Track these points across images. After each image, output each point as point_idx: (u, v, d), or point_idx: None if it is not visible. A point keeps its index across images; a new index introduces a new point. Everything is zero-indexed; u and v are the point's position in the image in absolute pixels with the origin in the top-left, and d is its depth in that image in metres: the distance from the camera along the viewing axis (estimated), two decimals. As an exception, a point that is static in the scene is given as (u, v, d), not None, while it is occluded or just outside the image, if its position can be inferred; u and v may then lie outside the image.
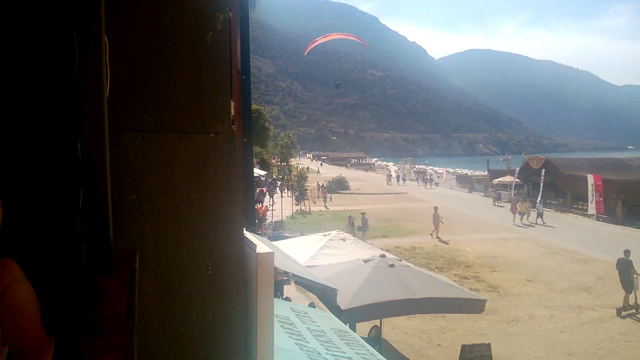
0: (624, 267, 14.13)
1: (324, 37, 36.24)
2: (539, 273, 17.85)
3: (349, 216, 24.56)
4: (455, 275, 17.08)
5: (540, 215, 30.73)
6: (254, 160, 44.65)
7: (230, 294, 1.88)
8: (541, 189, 38.13)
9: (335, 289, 8.04)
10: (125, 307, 0.94)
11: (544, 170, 39.05)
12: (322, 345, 4.39)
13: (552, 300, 14.79)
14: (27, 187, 1.74)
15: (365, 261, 9.52)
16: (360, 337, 5.96)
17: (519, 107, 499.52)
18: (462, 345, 9.16)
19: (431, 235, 24.76)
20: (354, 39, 39.74)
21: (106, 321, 0.86)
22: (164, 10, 1.84)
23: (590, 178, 32.66)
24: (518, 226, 28.99)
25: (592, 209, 31.84)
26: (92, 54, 1.62)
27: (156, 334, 1.79)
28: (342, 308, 7.81)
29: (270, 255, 1.93)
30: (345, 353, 4.43)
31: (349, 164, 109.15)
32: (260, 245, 2.01)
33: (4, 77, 1.73)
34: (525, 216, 30.19)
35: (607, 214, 31.32)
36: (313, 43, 36.51)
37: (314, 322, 5.30)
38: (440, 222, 24.96)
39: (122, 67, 1.77)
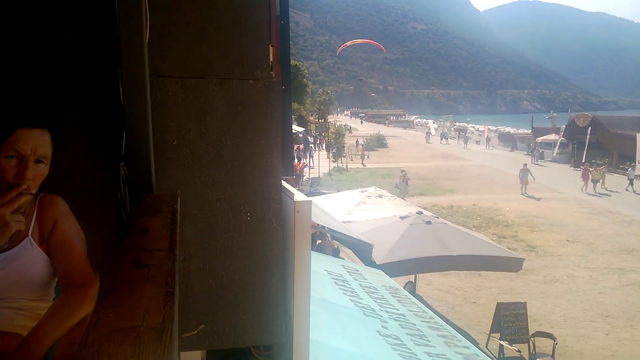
0: None
1: (353, 41, 40.06)
2: (580, 234, 17.48)
3: (402, 171, 24.53)
4: (493, 234, 16.93)
5: (631, 181, 27.44)
6: (293, 116, 44.76)
7: (268, 240, 1.91)
8: (586, 147, 36.84)
9: (371, 244, 8.11)
10: (167, 243, 0.96)
11: (590, 128, 37.62)
12: (375, 302, 4.45)
13: (592, 261, 14.52)
14: (73, 130, 1.78)
15: (402, 218, 9.53)
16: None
17: (567, 63, 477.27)
18: (498, 303, 9.16)
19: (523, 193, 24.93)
20: (376, 45, 42.00)
21: (148, 255, 0.88)
22: (203, -47, 1.80)
23: (639, 137, 31.27)
24: (591, 195, 25.71)
25: (639, 169, 30.56)
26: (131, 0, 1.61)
27: (197, 277, 1.84)
28: (377, 263, 7.89)
29: (308, 204, 1.93)
30: (398, 310, 4.48)
31: (387, 122, 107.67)
32: (298, 194, 2.02)
33: (44, 25, 1.75)
34: (599, 183, 27.00)
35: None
36: (343, 45, 39.34)
37: (365, 279, 5.37)
38: (527, 179, 25.03)
39: (161, 12, 1.76)
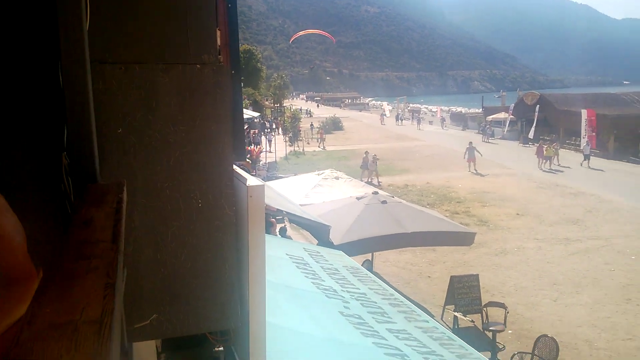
0: None
1: (305, 31, 41.35)
2: (529, 207, 18.21)
3: (366, 152, 24.85)
4: (446, 210, 17.40)
5: (587, 157, 27.95)
6: (247, 101, 44.12)
7: (221, 227, 1.90)
8: (534, 125, 38.16)
9: (329, 226, 8.18)
10: (111, 234, 0.94)
11: (538, 106, 38.90)
12: (337, 283, 4.50)
13: (540, 232, 15.18)
14: (11, 122, 1.71)
15: (358, 198, 9.66)
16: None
17: (516, 43, 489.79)
18: (451, 276, 9.46)
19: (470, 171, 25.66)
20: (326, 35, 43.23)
21: (91, 247, 0.86)
22: None
23: (584, 113, 32.56)
24: (547, 172, 26.22)
25: (584, 143, 31.95)
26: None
27: (148, 266, 1.82)
28: (334, 243, 7.98)
29: (260, 189, 1.93)
30: (359, 289, 4.55)
31: (343, 105, 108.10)
32: (251, 179, 2.01)
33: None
34: (553, 159, 27.53)
35: (600, 148, 31.47)
36: (295, 35, 40.48)
37: (326, 260, 5.41)
38: (474, 156, 25.83)
39: (101, -5, 1.70)
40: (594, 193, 20.31)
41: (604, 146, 31.90)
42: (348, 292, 4.35)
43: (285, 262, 4.74)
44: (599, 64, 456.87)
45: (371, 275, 5.58)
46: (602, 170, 26.44)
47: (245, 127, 32.39)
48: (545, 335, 7.59)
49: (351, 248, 8.13)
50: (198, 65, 1.84)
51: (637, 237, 14.56)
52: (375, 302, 4.31)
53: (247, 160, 18.54)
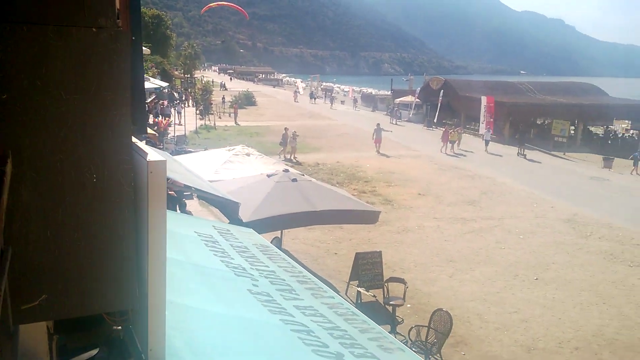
0: None
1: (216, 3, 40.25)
2: (430, 187, 19.20)
3: (286, 128, 24.81)
4: (354, 189, 17.90)
5: (487, 142, 29.58)
6: (155, 70, 42.03)
7: (118, 203, 1.80)
8: (438, 109, 40.07)
9: (238, 203, 8.09)
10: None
11: (442, 91, 40.76)
12: (246, 261, 4.45)
13: (439, 212, 16.09)
14: None
15: (269, 175, 9.63)
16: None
17: (424, 27, 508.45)
18: (356, 253, 9.81)
19: (377, 152, 26.27)
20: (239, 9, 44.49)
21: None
22: None
23: (484, 99, 34.56)
24: (449, 155, 27.23)
25: (483, 129, 34.04)
26: None
27: (38, 245, 1.69)
28: (244, 220, 7.93)
29: (162, 164, 1.85)
30: (268, 267, 4.54)
31: (256, 79, 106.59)
32: (152, 153, 1.92)
33: None
34: (457, 144, 28.69)
35: (496, 134, 33.76)
36: (207, 7, 41.62)
37: (236, 238, 5.34)
38: (381, 137, 26.50)
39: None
40: (490, 176, 21.86)
41: (501, 132, 34.25)
42: (257, 270, 4.36)
43: (193, 240, 4.65)
44: (499, 52, 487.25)
45: (280, 252, 5.62)
46: (500, 155, 28.42)
47: (151, 98, 30.95)
48: (441, 309, 8.09)
49: (261, 225, 8.11)
50: (94, 29, 1.71)
51: (525, 217, 15.91)
52: (284, 280, 4.35)
53: (154, 132, 17.77)
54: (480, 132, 33.62)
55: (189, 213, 10.15)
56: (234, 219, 8.19)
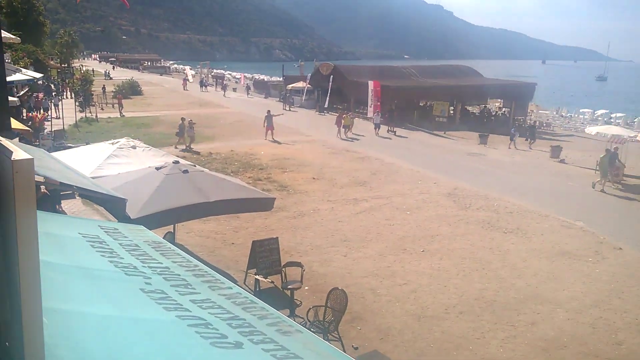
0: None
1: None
2: (324, 171, 19.72)
3: (183, 118, 24.04)
4: (249, 177, 17.89)
5: (377, 126, 30.54)
6: (27, 60, 38.34)
7: (-21, 209, 1.72)
8: (329, 94, 40.99)
9: (125, 199, 7.75)
10: None
11: (332, 76, 41.70)
12: (137, 259, 4.32)
13: (333, 194, 16.60)
14: None
15: (158, 168, 9.31)
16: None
17: (313, 14, 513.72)
18: (253, 241, 9.87)
19: (266, 138, 26.32)
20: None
21: None
22: None
23: (371, 84, 35.86)
24: (343, 139, 27.80)
25: (370, 112, 35.38)
26: None
27: None
28: (132, 217, 7.63)
29: (28, 163, 1.78)
30: (162, 264, 4.44)
31: (142, 67, 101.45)
32: (19, 151, 1.84)
33: None
34: (350, 128, 29.31)
35: (383, 116, 35.30)
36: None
37: (126, 237, 5.13)
38: (272, 124, 26.58)
39: None
40: (379, 157, 22.90)
41: (386, 114, 35.85)
42: (150, 267, 4.27)
43: (78, 242, 4.44)
44: (384, 37, 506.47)
45: (174, 247, 5.53)
46: (389, 138, 29.79)
47: (24, 91, 28.30)
48: (336, 288, 8.40)
49: (152, 221, 7.85)
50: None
51: (411, 194, 16.93)
52: (179, 275, 4.31)
53: (27, 128, 16.33)
54: (368, 116, 34.91)
55: (62, 212, 9.53)
56: (122, 217, 7.87)
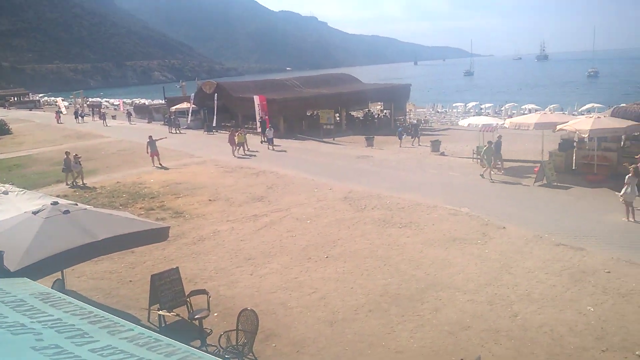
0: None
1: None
2: (219, 191, 19.40)
3: (67, 152, 22.49)
4: (141, 208, 17.10)
5: (270, 141, 30.40)
6: None
7: None
8: (215, 112, 40.48)
9: (1, 251, 7.09)
10: None
11: (216, 94, 41.24)
12: (24, 315, 3.96)
13: (232, 214, 16.37)
14: None
15: (35, 212, 8.60)
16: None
17: (189, 33, 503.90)
18: (152, 275, 9.42)
19: (157, 165, 25.52)
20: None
21: None
22: None
23: (256, 99, 36.00)
24: (238, 157, 27.58)
25: (258, 127, 35.46)
26: None
27: None
28: (12, 270, 6.98)
29: None
30: (53, 316, 4.10)
31: (7, 104, 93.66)
32: None
33: None
34: (245, 145, 29.00)
35: (274, 129, 35.53)
36: None
37: (8, 293, 4.69)
38: (156, 149, 25.75)
39: None
40: (273, 170, 23.01)
41: (277, 127, 36.18)
42: (39, 322, 3.96)
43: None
44: (264, 52, 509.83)
45: (65, 296, 5.14)
46: (285, 151, 29.94)
47: None
48: (246, 309, 8.19)
49: (35, 271, 7.23)
50: None
51: (309, 203, 17.17)
52: (73, 325, 4.04)
53: None
54: (258, 131, 34.95)
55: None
56: (1, 271, 7.16)
